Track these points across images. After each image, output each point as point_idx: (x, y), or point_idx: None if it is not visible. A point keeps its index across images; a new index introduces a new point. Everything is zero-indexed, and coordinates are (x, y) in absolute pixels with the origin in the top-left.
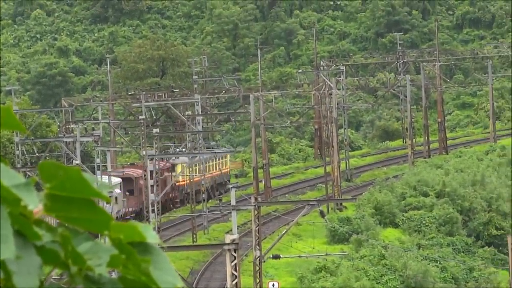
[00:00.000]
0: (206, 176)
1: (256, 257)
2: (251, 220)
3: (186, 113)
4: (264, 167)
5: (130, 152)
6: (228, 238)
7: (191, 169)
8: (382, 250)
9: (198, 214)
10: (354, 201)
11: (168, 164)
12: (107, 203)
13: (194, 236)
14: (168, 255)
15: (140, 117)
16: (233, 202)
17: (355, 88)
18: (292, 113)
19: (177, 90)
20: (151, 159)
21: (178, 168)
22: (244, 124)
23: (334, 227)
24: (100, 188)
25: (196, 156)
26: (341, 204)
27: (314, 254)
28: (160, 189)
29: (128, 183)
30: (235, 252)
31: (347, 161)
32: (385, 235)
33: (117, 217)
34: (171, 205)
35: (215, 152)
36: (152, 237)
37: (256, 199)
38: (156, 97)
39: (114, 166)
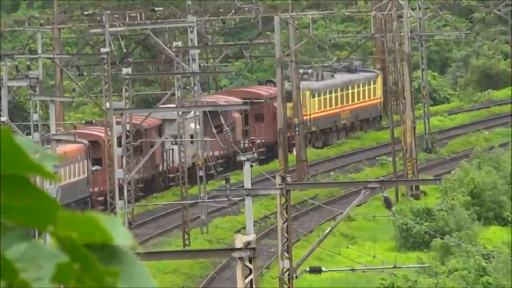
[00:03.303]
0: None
1: (284, 270)
2: (276, 212)
3: (174, 44)
4: (296, 128)
5: (87, 104)
6: (239, 240)
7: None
8: (482, 261)
9: (193, 202)
10: (438, 184)
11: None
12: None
13: (186, 236)
14: (147, 266)
15: (103, 49)
16: (247, 184)
17: (438, 8)
18: (340, 46)
19: (161, 8)
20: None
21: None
22: (264, 61)
23: (406, 224)
24: (41, 161)
25: None
26: (417, 188)
27: (376, 267)
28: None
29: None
30: (250, 262)
31: (426, 121)
32: (487, 237)
33: (193, 163)
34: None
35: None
36: (122, 236)
37: (283, 178)
38: (127, 20)
39: (61, 125)
